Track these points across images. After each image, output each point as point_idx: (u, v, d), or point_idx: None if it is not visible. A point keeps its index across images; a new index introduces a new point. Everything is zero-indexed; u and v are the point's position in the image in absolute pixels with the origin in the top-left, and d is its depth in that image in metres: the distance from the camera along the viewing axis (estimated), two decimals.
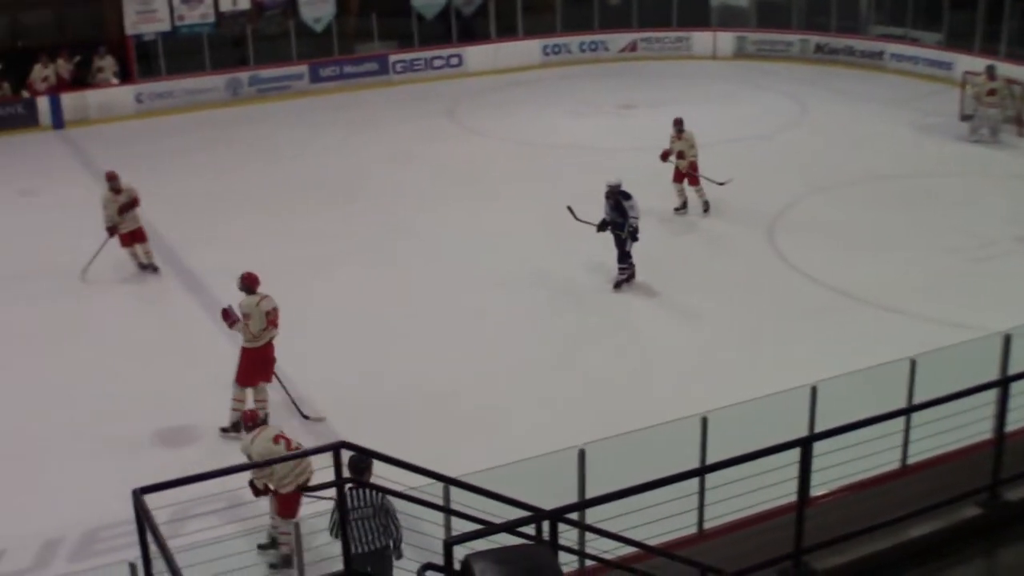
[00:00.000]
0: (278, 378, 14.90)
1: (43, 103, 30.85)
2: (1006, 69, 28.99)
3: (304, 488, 11.19)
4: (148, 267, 20.17)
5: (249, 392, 14.62)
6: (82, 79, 31.94)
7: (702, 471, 9.53)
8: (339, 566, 9.58)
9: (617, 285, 18.87)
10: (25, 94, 30.96)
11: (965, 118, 28.05)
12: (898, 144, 27.52)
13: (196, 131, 30.53)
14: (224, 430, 14.58)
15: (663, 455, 9.57)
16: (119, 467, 13.35)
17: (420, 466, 9.75)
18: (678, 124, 22.48)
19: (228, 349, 15.73)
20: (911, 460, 10.97)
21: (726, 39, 37.81)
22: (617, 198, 18.81)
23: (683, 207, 22.61)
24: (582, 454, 9.93)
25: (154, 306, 19.02)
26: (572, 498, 9.61)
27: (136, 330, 17.99)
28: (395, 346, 16.92)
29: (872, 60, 35.68)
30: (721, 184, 22.31)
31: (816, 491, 9.65)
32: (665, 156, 22.40)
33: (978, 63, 29.47)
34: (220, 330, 17.67)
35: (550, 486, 9.60)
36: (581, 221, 19.23)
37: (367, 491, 10.10)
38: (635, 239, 18.81)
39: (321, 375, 15.81)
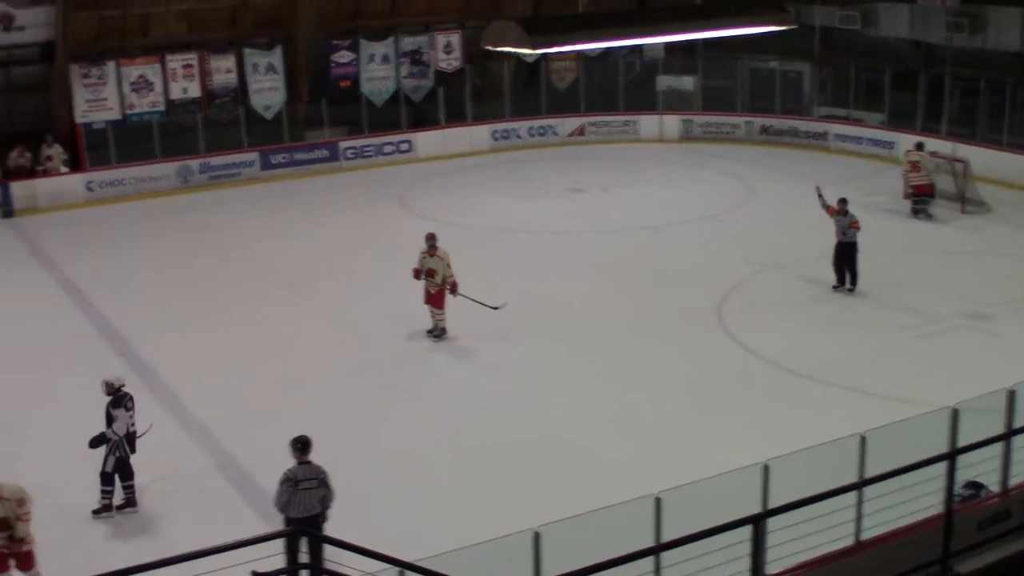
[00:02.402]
0: None
1: None
2: (947, 147, 29.61)
3: None
4: None
5: None
6: (31, 168, 31.83)
7: (656, 550, 9.56)
8: None
9: (97, 511, 14.78)
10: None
11: (907, 196, 28.55)
12: None
13: (147, 219, 30.46)
14: None
15: (618, 536, 9.60)
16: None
17: (376, 551, 9.72)
18: (431, 239, 20.61)
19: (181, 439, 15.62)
20: (864, 536, 11.02)
21: (672, 122, 38.30)
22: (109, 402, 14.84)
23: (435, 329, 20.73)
24: (537, 537, 9.91)
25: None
26: None
27: (85, 417, 17.82)
28: (350, 427, 16.86)
29: (817, 141, 36.27)
30: (495, 308, 20.88)
31: (771, 569, 9.69)
32: (417, 275, 20.53)
33: (923, 143, 29.96)
34: (174, 418, 17.69)
35: (506, 568, 9.60)
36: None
37: (312, 466, 12.59)
38: (129, 451, 14.85)
39: (270, 458, 15.73)
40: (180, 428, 17.37)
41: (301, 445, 12.75)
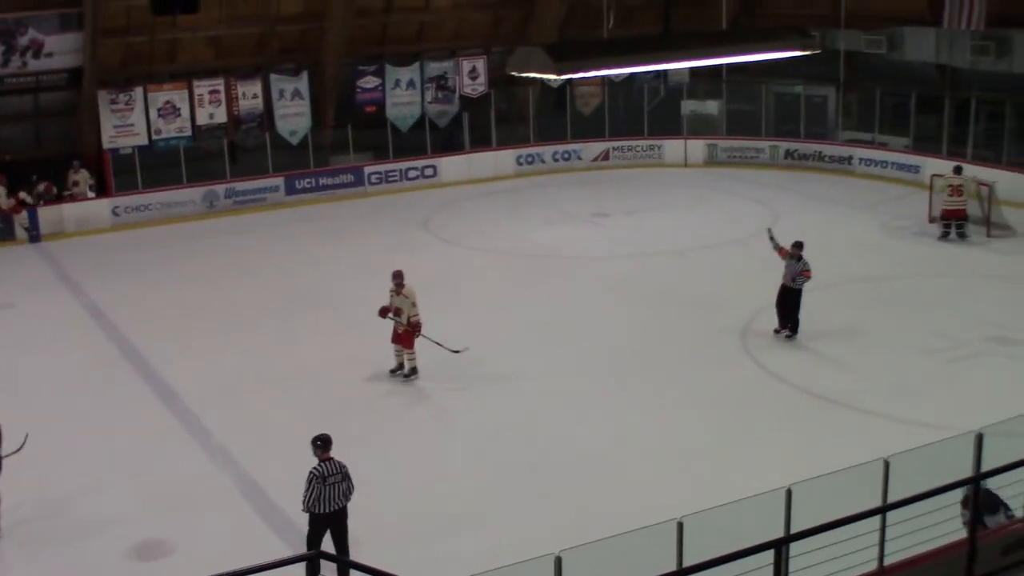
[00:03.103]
0: None
1: (20, 216, 30.91)
2: (972, 171, 29.48)
3: None
4: None
5: None
6: (57, 194, 32.03)
7: (678, 575, 9.52)
8: None
9: None
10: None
11: (933, 220, 28.50)
12: (869, 247, 27.82)
13: (173, 243, 30.63)
14: None
15: (639, 561, 9.57)
16: None
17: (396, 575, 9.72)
18: (397, 278, 19.71)
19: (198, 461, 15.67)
20: (888, 561, 10.95)
21: (697, 147, 38.30)
22: None
23: (399, 368, 20.03)
24: (558, 561, 9.88)
25: (126, 415, 18.90)
26: None
27: (109, 439, 17.87)
28: (370, 451, 16.86)
29: (841, 165, 36.20)
30: (456, 352, 20.23)
31: None
32: (384, 313, 19.82)
33: (946, 166, 29.90)
34: (194, 440, 17.76)
35: None
36: None
37: (334, 461, 13.19)
38: None
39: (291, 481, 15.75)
40: (201, 451, 17.42)
41: (322, 442, 13.33)
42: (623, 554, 10.33)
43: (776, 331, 21.46)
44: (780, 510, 10.62)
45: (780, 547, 8.79)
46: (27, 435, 15.40)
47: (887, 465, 11.06)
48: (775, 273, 21.96)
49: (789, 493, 10.66)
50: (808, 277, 21.04)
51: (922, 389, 18.91)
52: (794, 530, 9.92)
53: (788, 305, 21.26)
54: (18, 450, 15.02)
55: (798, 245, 21.23)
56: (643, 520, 10.53)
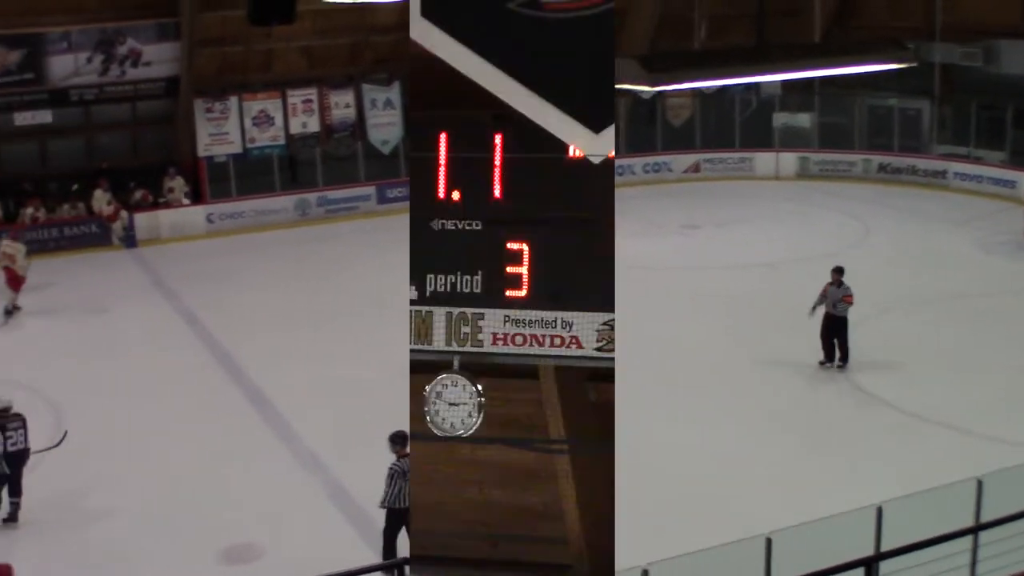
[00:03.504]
0: None
1: (116, 224, 31.46)
2: None
3: None
4: None
5: None
6: (153, 200, 32.59)
7: None
8: None
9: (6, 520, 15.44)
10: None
11: None
12: (964, 263, 27.41)
13: (265, 251, 31.00)
14: None
15: (728, 574, 9.54)
16: None
17: None
18: None
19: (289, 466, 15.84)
20: None
21: (789, 159, 38.00)
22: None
23: None
24: (645, 574, 9.87)
25: (219, 419, 19.13)
26: None
27: (200, 444, 18.10)
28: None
29: (935, 179, 35.70)
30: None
31: None
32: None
33: None
34: (284, 444, 17.93)
35: None
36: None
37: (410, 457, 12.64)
38: (7, 470, 15.28)
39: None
40: (292, 456, 17.60)
41: (402, 439, 13.75)
42: (711, 568, 10.29)
43: (821, 363, 20.59)
44: (870, 528, 10.53)
45: (870, 565, 8.70)
46: (66, 432, 16.09)
47: (980, 484, 10.92)
48: (868, 287, 21.76)
49: (880, 511, 10.56)
50: (850, 303, 20.32)
51: (1016, 408, 18.59)
52: (884, 548, 9.83)
53: (834, 334, 20.52)
54: (56, 446, 15.68)
55: (838, 271, 20.55)
56: (731, 534, 10.49)
